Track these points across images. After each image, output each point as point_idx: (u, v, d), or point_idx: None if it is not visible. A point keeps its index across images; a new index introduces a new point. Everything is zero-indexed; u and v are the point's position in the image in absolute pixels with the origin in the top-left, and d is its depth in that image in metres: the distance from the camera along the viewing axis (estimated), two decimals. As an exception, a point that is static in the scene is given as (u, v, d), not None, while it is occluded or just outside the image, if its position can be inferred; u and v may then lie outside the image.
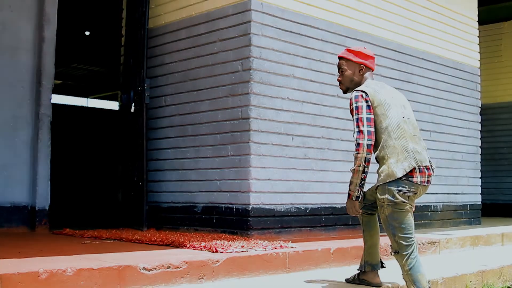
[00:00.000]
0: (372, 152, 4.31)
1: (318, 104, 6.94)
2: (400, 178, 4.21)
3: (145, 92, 7.18)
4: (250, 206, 6.23)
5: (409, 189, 4.24)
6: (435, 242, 6.83)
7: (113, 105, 23.25)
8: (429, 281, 4.35)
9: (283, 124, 6.57)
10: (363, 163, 4.26)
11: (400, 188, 4.22)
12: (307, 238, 6.59)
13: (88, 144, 12.14)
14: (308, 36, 6.93)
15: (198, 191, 6.83)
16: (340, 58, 4.64)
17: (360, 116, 4.30)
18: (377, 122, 4.32)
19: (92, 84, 21.27)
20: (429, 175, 4.32)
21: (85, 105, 24.28)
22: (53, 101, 7.57)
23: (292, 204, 6.63)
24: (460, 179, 9.26)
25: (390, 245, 4.42)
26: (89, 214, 10.36)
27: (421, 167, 4.26)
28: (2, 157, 7.19)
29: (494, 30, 13.27)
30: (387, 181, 4.23)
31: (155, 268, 4.32)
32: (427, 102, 8.61)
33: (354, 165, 4.29)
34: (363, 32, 7.62)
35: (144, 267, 4.26)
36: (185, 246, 5.35)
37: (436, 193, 8.72)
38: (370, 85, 4.48)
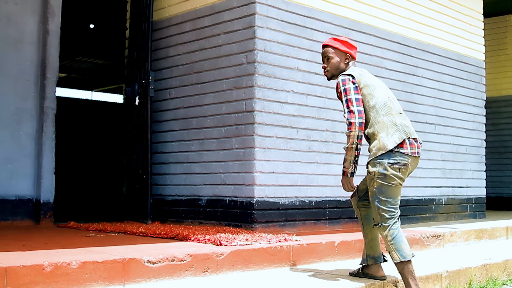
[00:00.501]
0: (363, 129, 4.45)
1: (322, 97, 6.93)
2: (391, 151, 4.37)
3: (150, 85, 7.17)
4: (255, 199, 6.23)
5: (400, 161, 4.38)
6: (440, 235, 6.83)
7: (118, 98, 23.26)
8: (412, 253, 4.44)
9: (287, 117, 6.56)
10: (356, 141, 4.41)
11: (391, 161, 4.37)
12: (311, 231, 6.59)
13: (92, 137, 12.17)
14: (312, 29, 6.92)
15: (203, 184, 6.83)
16: (327, 46, 4.76)
17: (349, 97, 4.46)
18: (365, 102, 4.49)
19: (97, 77, 21.25)
20: (418, 147, 4.49)
21: (89, 98, 24.30)
22: (57, 94, 7.58)
23: (296, 197, 6.62)
24: (465, 173, 9.25)
25: (373, 218, 4.55)
26: (93, 207, 10.39)
27: (411, 139, 4.44)
28: (7, 150, 7.20)
29: (499, 22, 13.22)
30: (378, 154, 4.39)
31: (159, 261, 4.32)
32: (431, 95, 8.59)
33: (348, 143, 4.43)
34: (367, 25, 7.60)
35: (148, 260, 4.26)
36: (190, 239, 5.35)
37: (441, 187, 8.71)
38: (354, 70, 4.66)
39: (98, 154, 12.14)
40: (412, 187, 8.17)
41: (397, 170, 4.38)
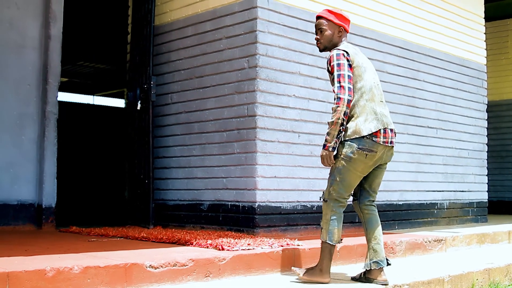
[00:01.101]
0: (350, 107, 4.49)
1: (324, 102, 6.93)
2: (364, 137, 4.47)
3: (151, 90, 7.18)
4: (256, 204, 6.23)
5: (369, 147, 4.48)
6: (442, 240, 6.82)
7: (119, 103, 23.26)
8: (341, 239, 4.64)
9: (289, 121, 6.57)
10: (342, 116, 4.43)
11: (361, 146, 4.47)
12: (313, 236, 6.58)
13: (94, 142, 12.16)
14: (314, 33, 6.91)
15: (204, 188, 6.83)
16: (320, 17, 4.80)
17: (342, 72, 4.49)
18: (353, 82, 4.55)
19: (99, 81, 21.26)
20: (392, 136, 4.59)
21: (91, 102, 24.30)
22: (59, 98, 7.58)
23: (298, 201, 6.62)
24: (467, 177, 9.24)
25: (323, 192, 4.66)
26: (95, 211, 10.38)
27: (386, 129, 4.55)
28: (9, 155, 7.21)
29: (501, 26, 13.22)
30: (352, 137, 4.49)
31: (161, 266, 4.32)
32: (433, 99, 8.59)
33: (333, 118, 4.45)
34: (368, 29, 7.61)
35: (150, 265, 4.26)
36: (192, 244, 5.35)
37: (443, 191, 8.71)
38: (349, 46, 4.68)
39: (99, 158, 12.14)
40: (414, 192, 8.17)
41: (364, 156, 4.49)
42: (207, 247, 5.15)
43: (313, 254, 5.35)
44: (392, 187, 7.81)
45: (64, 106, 8.76)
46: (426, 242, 6.60)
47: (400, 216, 7.91)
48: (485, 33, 9.89)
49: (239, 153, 6.44)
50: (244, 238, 5.70)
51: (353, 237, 6.54)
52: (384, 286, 4.60)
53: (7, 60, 7.28)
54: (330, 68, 4.60)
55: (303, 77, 6.76)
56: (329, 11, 4.79)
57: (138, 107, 7.33)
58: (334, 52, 4.60)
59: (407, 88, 8.14)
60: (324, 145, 4.52)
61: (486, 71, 9.85)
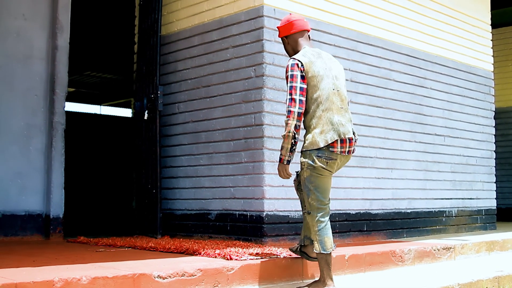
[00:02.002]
0: (302, 119, 4.65)
1: (331, 110, 6.91)
2: (321, 148, 4.59)
3: (158, 99, 7.18)
4: (264, 213, 6.22)
5: (328, 156, 4.62)
6: (450, 247, 6.79)
7: (126, 112, 23.30)
8: (334, 245, 4.74)
9: (296, 130, 6.55)
10: (293, 130, 4.61)
11: (319, 154, 4.60)
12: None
13: (101, 152, 12.17)
14: (320, 42, 6.92)
15: (212, 198, 6.82)
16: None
17: (294, 84, 4.61)
18: (308, 92, 4.65)
19: (105, 91, 21.32)
20: (350, 145, 4.69)
21: (98, 112, 24.35)
22: (66, 108, 7.60)
23: (306, 210, 6.60)
24: (475, 184, 9.21)
25: (304, 206, 4.82)
26: (103, 221, 10.38)
27: (343, 139, 4.63)
28: (16, 166, 7.22)
29: (508, 33, 13.21)
30: (309, 148, 4.62)
31: (169, 276, 4.31)
32: (440, 107, 8.57)
33: (285, 131, 4.63)
34: (375, 37, 7.60)
35: (158, 275, 4.25)
36: (200, 254, 5.34)
37: (451, 198, 8.68)
38: (307, 54, 4.75)
39: (107, 168, 12.15)
40: (422, 199, 8.14)
41: (325, 163, 4.63)
42: (215, 257, 5.14)
43: (322, 263, 5.34)
44: (400, 195, 7.79)
45: (71, 116, 8.77)
46: (435, 250, 6.58)
47: (409, 224, 7.89)
48: (491, 40, 9.87)
49: (247, 162, 6.43)
50: (252, 247, 5.70)
51: (362, 245, 6.53)
52: (315, 260, 4.98)
53: (15, 71, 7.30)
54: (286, 78, 4.71)
55: (310, 85, 6.74)
56: (278, 27, 5.02)
57: (145, 117, 7.34)
58: (289, 62, 4.71)
59: (414, 96, 8.13)
60: (280, 159, 4.73)
61: (493, 78, 9.83)
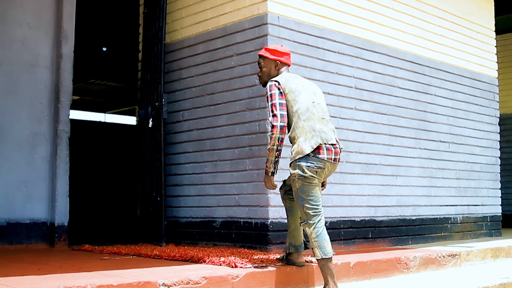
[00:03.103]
0: (285, 132, 4.85)
1: (336, 117, 6.92)
2: (308, 155, 4.74)
3: (163, 107, 7.19)
4: (269, 221, 6.21)
5: (316, 165, 4.75)
6: (456, 254, 6.78)
7: (131, 120, 23.30)
8: (333, 252, 4.81)
9: (301, 137, 6.55)
10: (277, 142, 4.81)
11: (308, 164, 4.74)
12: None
13: (106, 160, 12.18)
14: (324, 49, 6.93)
15: (217, 205, 6.82)
16: (259, 56, 5.22)
17: (273, 102, 4.86)
18: (289, 107, 4.87)
19: (110, 99, 21.34)
20: (335, 153, 4.85)
21: (103, 120, 24.37)
22: (71, 116, 7.61)
23: (311, 217, 6.59)
24: (480, 191, 9.19)
25: (300, 217, 4.95)
26: (108, 229, 10.38)
27: (327, 145, 4.80)
28: (21, 174, 7.24)
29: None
30: (297, 157, 4.76)
31: (174, 284, 4.30)
32: (445, 113, 8.56)
33: (269, 145, 4.84)
34: (379, 44, 7.61)
35: (163, 283, 4.25)
36: (204, 262, 5.33)
37: (456, 205, 8.66)
38: (283, 75, 5.05)
39: (111, 176, 12.16)
40: (427, 206, 8.13)
41: (314, 172, 4.75)
42: (220, 265, 5.13)
43: (327, 271, 5.33)
44: (405, 202, 7.78)
45: (76, 124, 8.78)
46: (440, 257, 6.56)
47: (414, 231, 7.87)
48: (496, 46, 9.87)
49: (251, 170, 6.43)
50: (257, 255, 5.69)
51: (367, 252, 6.51)
52: (301, 266, 5.15)
53: (20, 79, 7.32)
54: (266, 99, 4.96)
55: (314, 92, 6.74)
56: (266, 49, 5.19)
57: (150, 125, 7.34)
58: (268, 84, 4.98)
59: (419, 103, 8.12)
60: (265, 171, 4.93)
61: (497, 84, 9.82)
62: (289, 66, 5.20)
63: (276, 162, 4.87)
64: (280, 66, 5.13)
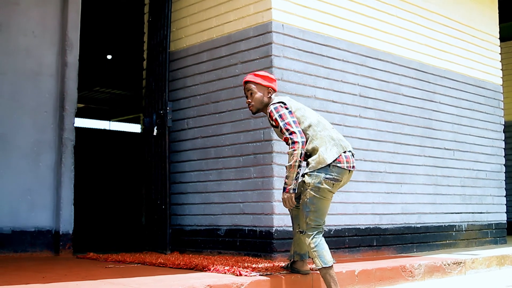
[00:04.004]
0: (305, 147, 4.76)
1: (340, 125, 6.92)
2: (329, 165, 4.70)
3: (168, 115, 7.20)
4: (274, 229, 6.21)
5: (335, 177, 4.73)
6: (461, 262, 6.76)
7: (136, 128, 23.34)
8: (334, 260, 4.80)
9: (305, 145, 6.55)
10: (299, 158, 4.66)
11: (327, 176, 4.71)
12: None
13: (111, 168, 12.18)
14: (329, 57, 6.93)
15: (221, 213, 6.81)
16: (248, 82, 5.07)
17: (286, 120, 4.76)
18: (300, 124, 4.81)
19: (115, 107, 21.39)
20: (353, 161, 4.85)
21: (107, 128, 24.41)
22: (75, 124, 7.62)
23: (315, 225, 6.58)
24: (485, 198, 9.18)
25: (299, 224, 4.90)
26: (112, 237, 10.38)
27: (347, 153, 4.80)
28: (26, 182, 7.25)
29: (516, 47, 13.17)
30: (318, 167, 4.71)
31: (179, 293, 4.30)
32: (450, 121, 8.56)
33: (291, 161, 4.66)
34: (384, 52, 7.61)
35: (168, 292, 4.25)
36: (209, 270, 5.33)
37: (461, 213, 8.64)
38: (280, 98, 4.97)
39: (116, 184, 12.16)
40: (432, 214, 8.11)
41: (331, 185, 4.73)
42: (225, 273, 5.12)
43: (332, 279, 5.32)
44: (410, 210, 7.77)
45: (80, 132, 8.79)
46: (445, 265, 6.55)
47: (418, 238, 7.86)
48: (500, 54, 9.86)
49: (256, 178, 6.43)
50: (261, 263, 5.68)
51: (372, 260, 6.50)
52: (306, 274, 5.14)
53: (24, 88, 7.34)
54: (274, 123, 4.85)
55: (318, 100, 6.76)
56: (255, 74, 5.07)
57: (155, 133, 7.35)
58: (272, 107, 4.87)
59: (423, 110, 8.12)
60: (284, 188, 4.75)
61: (502, 92, 9.81)
62: (276, 92, 5.11)
63: (297, 179, 4.72)
64: (272, 93, 5.04)
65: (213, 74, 7.04)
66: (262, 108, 5.04)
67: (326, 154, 4.71)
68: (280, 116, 4.79)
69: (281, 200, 4.87)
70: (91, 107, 21.32)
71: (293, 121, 4.76)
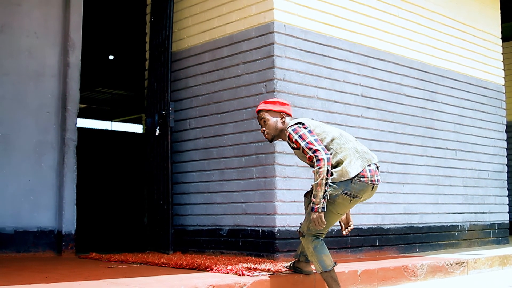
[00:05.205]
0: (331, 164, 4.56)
1: (342, 125, 6.93)
2: (352, 179, 4.56)
3: (170, 116, 7.20)
4: (276, 229, 6.21)
5: (354, 194, 4.59)
6: (463, 262, 6.76)
7: (138, 128, 23.35)
8: (335, 262, 4.77)
9: (307, 145, 6.55)
10: (326, 176, 4.46)
11: (347, 191, 4.57)
12: (333, 260, 6.54)
13: (113, 168, 12.20)
14: (331, 57, 6.93)
15: (224, 214, 6.82)
16: (260, 111, 4.93)
17: (308, 140, 4.59)
18: (322, 140, 4.66)
19: (117, 107, 21.40)
20: (376, 174, 4.68)
21: (109, 128, 24.42)
22: (77, 125, 7.63)
23: (318, 225, 6.58)
24: (487, 198, 9.17)
25: (301, 225, 4.77)
26: (115, 237, 10.39)
27: (371, 166, 4.66)
28: (29, 182, 7.25)
29: (518, 47, 13.15)
30: (338, 180, 4.58)
31: (182, 293, 4.31)
32: (451, 121, 8.56)
33: (318, 180, 4.46)
34: (386, 52, 7.61)
35: (171, 292, 4.25)
36: (212, 270, 5.33)
37: (463, 213, 8.64)
38: (296, 120, 4.82)
39: (118, 184, 12.17)
40: (434, 214, 8.11)
41: (348, 201, 4.61)
42: (227, 273, 5.13)
43: (334, 279, 5.32)
44: (412, 210, 7.77)
45: (82, 132, 8.80)
46: (447, 265, 6.55)
47: (421, 238, 7.86)
48: (502, 54, 9.86)
49: (258, 178, 6.43)
50: (264, 263, 5.68)
51: (374, 260, 6.50)
52: (308, 275, 5.12)
53: (27, 88, 7.35)
54: (295, 145, 4.71)
55: (321, 101, 6.76)
56: (266, 102, 4.94)
57: (157, 133, 7.35)
58: (290, 129, 4.72)
59: (425, 110, 8.12)
60: (313, 208, 4.51)
61: (504, 92, 9.81)
62: (291, 117, 4.95)
63: (325, 197, 4.48)
64: (285, 117, 4.87)
65: (215, 75, 7.04)
66: (278, 134, 4.89)
67: (350, 167, 4.56)
68: (300, 136, 4.62)
69: (311, 220, 4.54)
70: (93, 107, 21.33)
71: (315, 139, 4.58)
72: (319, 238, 4.71)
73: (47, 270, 5.59)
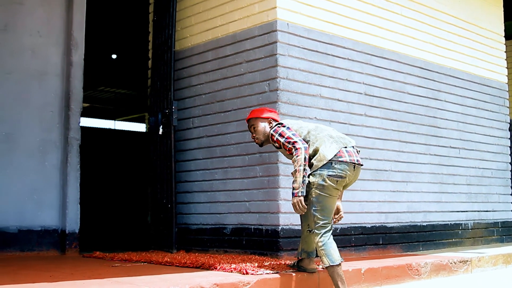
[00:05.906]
0: (308, 153, 4.88)
1: (345, 123, 6.92)
2: (330, 162, 4.84)
3: (173, 114, 7.20)
4: (280, 227, 6.21)
5: (338, 173, 4.84)
6: (467, 260, 6.76)
7: (140, 127, 23.36)
8: (341, 259, 4.85)
9: (311, 144, 6.55)
10: (303, 162, 4.79)
11: (330, 173, 4.82)
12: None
13: (116, 167, 12.20)
14: (334, 55, 6.93)
15: (227, 212, 6.82)
16: (249, 119, 5.34)
17: (286, 135, 4.97)
18: (300, 135, 5.00)
19: (120, 106, 21.41)
20: (356, 155, 4.97)
21: (112, 127, 24.43)
22: (81, 124, 7.63)
23: (321, 224, 6.58)
24: (491, 196, 9.16)
25: (308, 224, 4.95)
26: (118, 236, 10.39)
27: (348, 148, 4.94)
28: (32, 181, 7.26)
29: (521, 45, 13.12)
30: (319, 166, 4.84)
31: (186, 291, 4.31)
32: (455, 119, 8.55)
33: (296, 167, 4.81)
34: (389, 50, 7.61)
35: (175, 290, 4.25)
36: (215, 268, 5.33)
37: (467, 211, 8.64)
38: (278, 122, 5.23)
39: (122, 183, 12.17)
40: (438, 212, 8.11)
41: (335, 182, 4.84)
42: (231, 271, 5.13)
43: (338, 277, 5.32)
44: (416, 208, 7.76)
45: (86, 131, 8.80)
46: (451, 263, 6.54)
47: (424, 237, 7.86)
48: (505, 52, 9.84)
49: (262, 177, 6.43)
50: (268, 261, 5.69)
51: (378, 259, 6.50)
52: (312, 273, 5.18)
53: (30, 87, 7.36)
54: (277, 144, 5.08)
55: (324, 99, 6.76)
56: (253, 111, 5.35)
57: (160, 132, 7.35)
58: (271, 131, 5.12)
59: (429, 109, 8.11)
60: (293, 194, 4.83)
61: (507, 90, 9.79)
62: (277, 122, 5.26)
63: (304, 182, 4.79)
64: (272, 123, 5.24)
65: (218, 73, 7.04)
66: (267, 138, 5.24)
67: (326, 151, 4.84)
68: (280, 134, 4.99)
69: (291, 205, 4.90)
70: (97, 106, 21.35)
71: (293, 134, 4.95)
72: (328, 231, 4.83)
73: (51, 269, 5.60)
